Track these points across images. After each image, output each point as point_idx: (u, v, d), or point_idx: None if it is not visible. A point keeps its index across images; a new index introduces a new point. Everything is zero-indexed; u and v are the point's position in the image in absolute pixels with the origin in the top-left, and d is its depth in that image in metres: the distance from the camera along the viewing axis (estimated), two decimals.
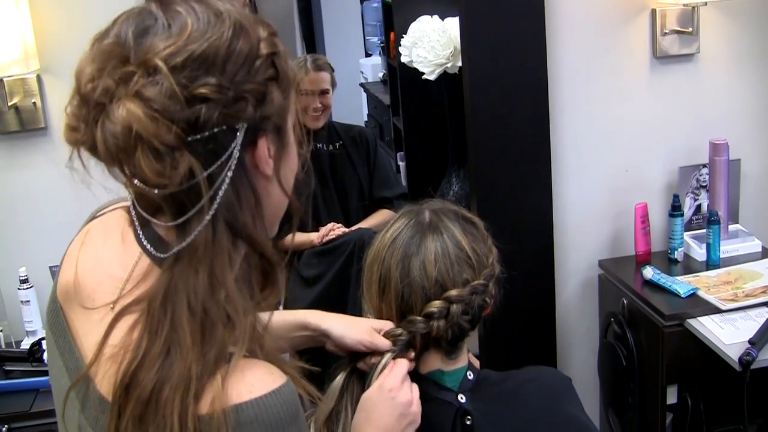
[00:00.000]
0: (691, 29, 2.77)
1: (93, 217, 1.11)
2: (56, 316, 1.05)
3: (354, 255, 3.26)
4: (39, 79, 2.59)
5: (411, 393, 1.34)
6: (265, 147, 0.95)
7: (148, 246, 0.97)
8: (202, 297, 0.90)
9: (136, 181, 0.90)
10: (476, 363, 1.52)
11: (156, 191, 0.89)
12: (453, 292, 1.38)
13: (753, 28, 2.86)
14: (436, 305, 1.38)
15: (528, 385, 1.50)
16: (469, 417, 1.41)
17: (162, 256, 0.94)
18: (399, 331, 1.40)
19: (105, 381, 0.93)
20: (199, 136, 0.88)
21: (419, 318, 1.39)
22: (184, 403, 0.87)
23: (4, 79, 2.51)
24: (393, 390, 1.33)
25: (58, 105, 2.60)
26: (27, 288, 2.56)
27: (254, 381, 0.90)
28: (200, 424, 0.87)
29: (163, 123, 0.86)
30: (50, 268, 2.59)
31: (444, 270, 1.39)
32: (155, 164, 0.86)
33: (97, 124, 0.88)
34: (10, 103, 2.56)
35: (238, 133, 0.91)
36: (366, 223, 3.48)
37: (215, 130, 0.89)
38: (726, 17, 2.83)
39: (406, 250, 1.42)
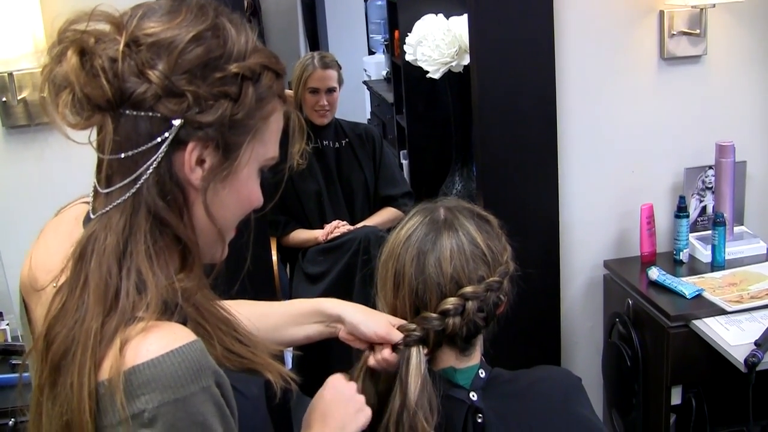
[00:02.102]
0: (698, 31, 2.78)
1: (56, 215, 1.17)
2: (21, 310, 1.13)
3: (359, 252, 3.26)
4: None
5: (350, 388, 1.35)
6: (192, 153, 0.98)
7: (91, 214, 1.01)
8: (108, 261, 0.94)
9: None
10: None
11: (99, 154, 0.98)
12: (468, 289, 1.39)
13: (760, 30, 2.87)
14: (451, 302, 1.38)
15: (539, 384, 1.51)
16: (480, 415, 1.42)
17: (92, 218, 0.99)
18: (413, 326, 1.40)
19: None
20: (133, 112, 0.94)
21: (434, 315, 1.39)
22: (84, 360, 0.89)
23: (14, 73, 2.51)
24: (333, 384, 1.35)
25: None
26: None
27: (152, 342, 0.91)
28: (100, 390, 0.89)
29: (99, 82, 0.92)
30: None
31: (459, 267, 1.40)
32: (67, 106, 0.95)
33: (50, 64, 0.96)
34: (19, 97, 2.55)
35: (171, 128, 0.95)
36: (371, 221, 3.48)
37: (149, 113, 0.94)
38: (733, 19, 2.84)
39: (421, 247, 1.42)
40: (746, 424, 2.31)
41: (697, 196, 2.89)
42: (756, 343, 2.22)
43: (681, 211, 2.76)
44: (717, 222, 2.70)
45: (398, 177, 3.69)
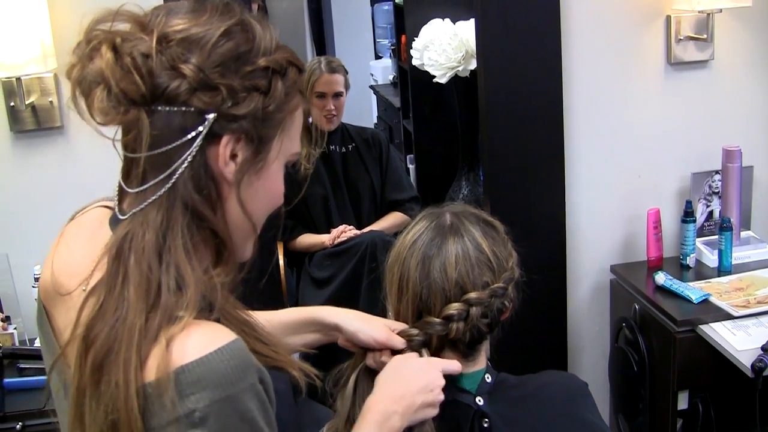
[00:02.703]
0: (705, 36, 2.78)
1: (71, 219, 1.15)
2: (41, 316, 1.10)
3: (365, 257, 3.26)
4: (56, 78, 2.60)
5: (442, 378, 1.34)
6: (227, 147, 0.99)
7: (118, 215, 1.01)
8: (148, 257, 0.94)
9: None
10: None
11: (128, 153, 0.97)
12: (472, 295, 1.39)
13: (767, 36, 2.86)
14: (455, 307, 1.38)
15: (546, 389, 1.51)
16: (486, 419, 1.42)
17: (123, 218, 0.98)
18: (415, 331, 1.41)
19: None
20: (166, 108, 0.94)
21: (437, 320, 1.39)
22: (128, 358, 0.89)
23: (22, 78, 2.52)
24: (431, 363, 1.35)
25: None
26: None
27: (198, 340, 0.91)
28: (148, 390, 0.89)
29: (132, 77, 0.93)
30: None
31: (464, 272, 1.40)
32: (104, 102, 0.93)
33: (80, 63, 0.97)
34: (27, 102, 2.57)
35: (204, 122, 0.96)
36: (377, 226, 3.49)
37: (183, 108, 0.95)
38: (740, 24, 2.83)
39: (426, 252, 1.42)
40: (753, 429, 2.30)
41: (704, 201, 2.89)
42: (763, 348, 2.22)
43: (688, 215, 2.76)
44: (724, 227, 2.70)
45: (405, 181, 3.69)
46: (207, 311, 0.97)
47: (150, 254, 0.94)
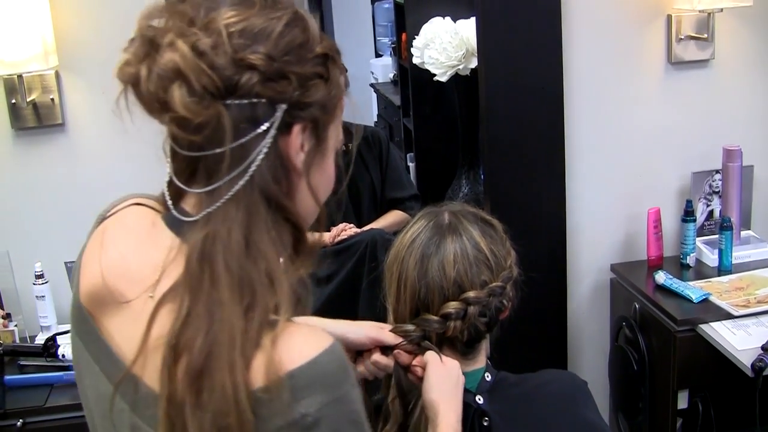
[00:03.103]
0: (706, 35, 2.78)
1: (103, 218, 1.10)
2: (84, 323, 1.04)
3: (366, 255, 3.26)
4: (57, 75, 2.60)
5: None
6: (298, 137, 0.97)
7: (178, 215, 0.98)
8: (238, 256, 0.91)
9: (174, 144, 0.95)
10: None
11: (192, 153, 0.93)
12: (471, 294, 1.39)
13: None
14: (453, 306, 1.39)
15: (545, 387, 1.51)
16: (486, 418, 1.42)
17: (194, 218, 0.94)
18: (411, 327, 1.41)
19: (155, 375, 0.91)
20: (237, 101, 0.91)
21: (435, 318, 1.40)
22: (232, 362, 0.86)
23: (23, 75, 2.52)
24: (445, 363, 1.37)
25: (76, 101, 2.64)
26: (42, 283, 2.57)
27: (302, 343, 0.90)
28: (257, 395, 0.86)
29: (208, 72, 0.90)
30: (65, 263, 2.61)
31: (462, 271, 1.40)
32: (187, 98, 0.89)
33: (145, 59, 0.92)
34: (28, 99, 2.57)
35: (276, 113, 0.94)
36: (378, 224, 3.48)
37: (254, 100, 0.92)
38: (741, 24, 2.84)
39: (424, 251, 1.43)
40: (753, 428, 2.30)
41: (704, 200, 2.89)
42: (763, 348, 2.22)
43: (688, 215, 2.76)
44: (724, 226, 2.70)
45: (405, 180, 3.68)
46: (300, 307, 0.96)
47: (240, 252, 0.91)
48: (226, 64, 0.90)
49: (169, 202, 1.00)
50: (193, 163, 0.96)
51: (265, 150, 0.93)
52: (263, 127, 0.93)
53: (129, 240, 1.03)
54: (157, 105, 0.92)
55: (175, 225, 0.98)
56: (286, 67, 0.93)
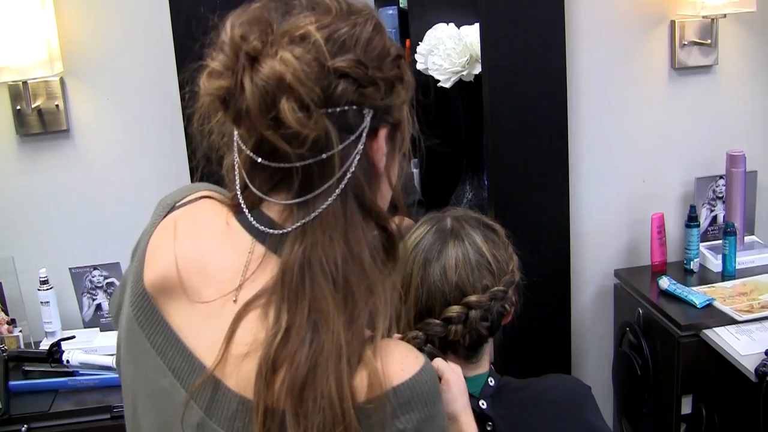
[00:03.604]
0: (709, 41, 2.79)
1: (172, 207, 1.08)
2: (149, 313, 1.02)
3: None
4: (62, 81, 2.61)
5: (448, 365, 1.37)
6: (383, 139, 0.98)
7: (262, 228, 0.96)
8: (342, 265, 0.91)
9: (257, 157, 0.93)
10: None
11: (282, 164, 0.92)
12: (472, 298, 1.40)
13: None
14: (455, 310, 1.39)
15: (549, 392, 1.52)
16: (490, 423, 1.43)
17: (284, 231, 0.94)
18: (415, 333, 1.42)
19: (243, 381, 0.91)
20: (331, 110, 0.91)
21: (437, 321, 1.40)
22: (339, 372, 0.87)
23: (28, 82, 2.53)
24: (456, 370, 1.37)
25: (81, 107, 2.65)
26: (47, 289, 2.58)
27: (402, 360, 0.91)
28: (361, 408, 0.87)
29: (310, 83, 0.89)
30: (70, 269, 2.61)
31: (464, 275, 1.41)
32: (298, 113, 0.88)
33: (245, 72, 0.90)
34: (33, 106, 2.58)
35: (366, 118, 0.94)
36: None
37: (346, 108, 0.92)
38: (745, 29, 2.84)
39: (427, 256, 1.43)
40: None
41: (708, 206, 2.89)
42: (767, 353, 2.22)
43: (692, 220, 2.76)
44: (728, 231, 2.70)
45: (409, 185, 3.68)
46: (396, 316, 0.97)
47: (343, 261, 0.91)
48: (324, 73, 0.90)
49: (245, 208, 0.98)
50: (281, 172, 0.94)
51: (358, 157, 0.93)
52: (356, 134, 0.93)
53: (205, 237, 1.02)
54: (264, 121, 0.89)
55: (256, 232, 0.97)
56: (375, 73, 0.94)
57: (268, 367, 0.88)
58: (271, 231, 0.95)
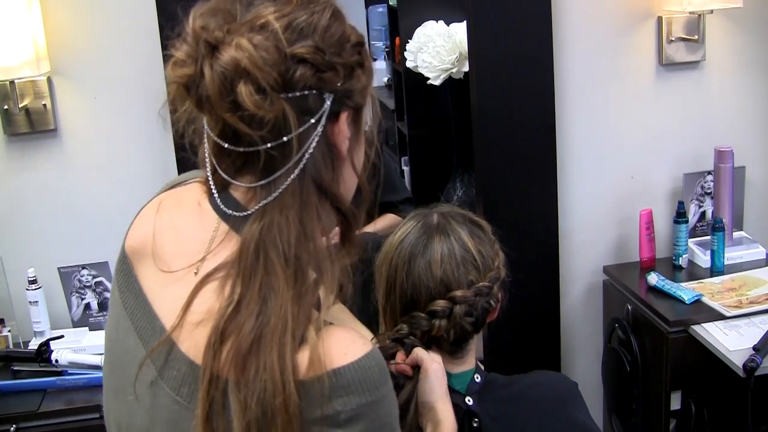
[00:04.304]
0: (696, 37, 2.79)
1: (169, 188, 1.14)
2: (127, 276, 1.08)
3: (358, 258, 3.26)
4: (49, 81, 2.60)
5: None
6: (345, 124, 1.01)
7: (227, 210, 1.00)
8: (295, 244, 0.94)
9: (222, 142, 0.97)
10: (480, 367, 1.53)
11: (245, 148, 0.96)
12: (457, 293, 1.40)
13: (759, 36, 2.88)
14: (439, 304, 1.40)
15: (535, 389, 1.52)
16: (476, 419, 1.43)
17: (246, 213, 0.98)
18: (399, 326, 1.42)
19: (193, 346, 0.95)
20: (290, 95, 0.94)
21: (422, 315, 1.40)
22: (283, 345, 0.90)
23: (15, 81, 2.52)
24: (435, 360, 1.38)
25: (69, 107, 2.64)
26: (35, 289, 2.57)
27: (347, 345, 0.93)
28: (300, 385, 0.89)
29: (268, 68, 0.93)
30: (58, 268, 2.61)
31: (449, 271, 1.41)
32: (255, 96, 0.92)
33: (205, 59, 0.94)
34: (20, 105, 2.57)
35: (325, 103, 0.97)
36: (371, 227, 3.48)
37: (306, 92, 0.95)
38: (732, 25, 2.85)
39: (412, 251, 1.44)
40: (745, 429, 2.31)
41: (696, 202, 2.90)
42: (754, 348, 2.23)
43: (680, 216, 2.77)
44: (716, 227, 2.71)
45: (398, 183, 3.68)
46: (342, 296, 0.99)
47: (296, 240, 0.94)
48: (282, 59, 0.93)
49: (214, 190, 1.03)
50: (244, 156, 0.98)
51: (316, 139, 0.97)
52: (315, 118, 0.97)
53: (181, 215, 1.08)
54: (224, 104, 0.93)
55: (221, 211, 1.01)
56: (333, 58, 0.97)
57: (217, 337, 0.92)
58: (234, 213, 1.00)
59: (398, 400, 1.37)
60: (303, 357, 0.91)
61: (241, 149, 0.97)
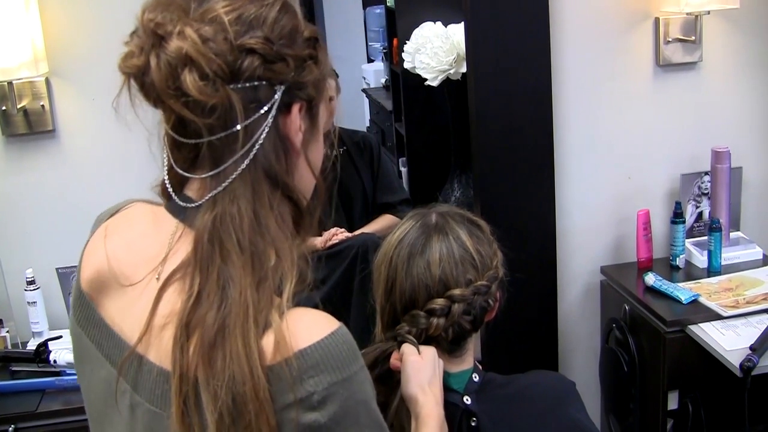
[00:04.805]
0: (693, 38, 2.80)
1: (108, 217, 1.13)
2: (85, 309, 1.07)
3: (357, 259, 3.26)
4: (48, 82, 2.61)
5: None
6: (297, 116, 1.01)
7: (181, 203, 1.01)
8: (247, 232, 0.95)
9: (175, 134, 0.99)
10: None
11: (195, 139, 0.97)
12: (456, 291, 1.41)
13: (756, 37, 2.89)
14: (438, 302, 1.40)
15: (533, 388, 1.52)
16: (474, 418, 1.43)
17: (197, 204, 0.98)
18: (400, 325, 1.43)
19: (162, 351, 0.95)
20: (239, 85, 0.96)
21: (422, 313, 1.41)
22: (246, 331, 0.90)
23: (14, 82, 2.52)
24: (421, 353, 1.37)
25: (67, 108, 2.64)
26: (33, 289, 2.58)
27: (311, 325, 0.93)
28: (268, 371, 0.89)
29: (214, 57, 0.94)
30: (57, 269, 2.61)
31: (448, 270, 1.42)
32: (199, 82, 0.93)
33: (152, 49, 0.96)
34: (18, 106, 2.57)
35: (276, 94, 0.98)
36: (369, 228, 3.48)
37: (255, 83, 0.96)
38: (729, 26, 2.85)
39: (411, 250, 1.44)
40: (742, 428, 2.31)
41: (694, 202, 2.90)
42: (751, 348, 2.23)
43: (677, 216, 2.77)
44: (713, 228, 2.71)
45: (396, 184, 3.69)
46: (303, 281, 0.98)
47: (249, 228, 0.95)
48: (229, 49, 0.94)
49: (170, 190, 1.04)
50: (196, 149, 1.00)
51: (267, 130, 0.98)
52: (265, 108, 0.98)
53: (133, 232, 1.08)
54: (169, 91, 0.94)
55: (178, 211, 1.02)
56: (282, 50, 0.98)
57: (182, 331, 0.92)
58: (189, 205, 1.00)
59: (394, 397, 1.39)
60: (268, 342, 0.90)
61: (192, 141, 0.98)
